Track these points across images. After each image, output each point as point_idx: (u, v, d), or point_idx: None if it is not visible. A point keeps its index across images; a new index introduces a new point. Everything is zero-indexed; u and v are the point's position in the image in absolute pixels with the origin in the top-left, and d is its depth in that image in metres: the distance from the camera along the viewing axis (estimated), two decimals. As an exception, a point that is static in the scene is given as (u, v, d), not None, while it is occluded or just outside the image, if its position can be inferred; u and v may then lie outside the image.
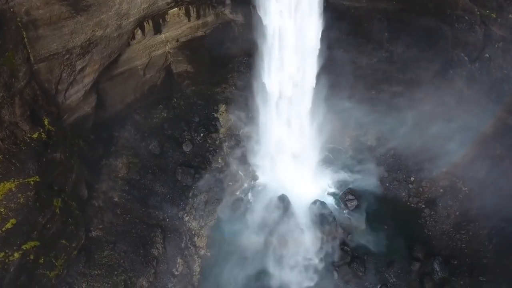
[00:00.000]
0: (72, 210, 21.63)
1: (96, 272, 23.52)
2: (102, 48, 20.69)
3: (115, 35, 20.71)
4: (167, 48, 28.56)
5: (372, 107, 32.90)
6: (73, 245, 21.68)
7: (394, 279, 26.68)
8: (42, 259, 19.44)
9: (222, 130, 34.06)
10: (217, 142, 33.36)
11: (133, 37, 24.25)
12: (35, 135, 18.54)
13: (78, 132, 23.93)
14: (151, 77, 29.47)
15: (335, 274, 26.99)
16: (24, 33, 17.08)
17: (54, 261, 20.24)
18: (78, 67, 20.27)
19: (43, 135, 18.96)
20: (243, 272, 27.13)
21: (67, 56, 19.03)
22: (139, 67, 27.46)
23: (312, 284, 26.72)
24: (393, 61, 28.98)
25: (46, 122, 19.33)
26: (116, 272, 24.26)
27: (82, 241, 22.75)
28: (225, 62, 32.80)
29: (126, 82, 27.40)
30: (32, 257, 18.63)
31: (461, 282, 25.58)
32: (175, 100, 33.38)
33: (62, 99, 20.82)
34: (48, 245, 19.78)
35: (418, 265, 26.89)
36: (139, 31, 24.36)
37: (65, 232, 20.89)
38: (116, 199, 26.93)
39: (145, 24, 24.30)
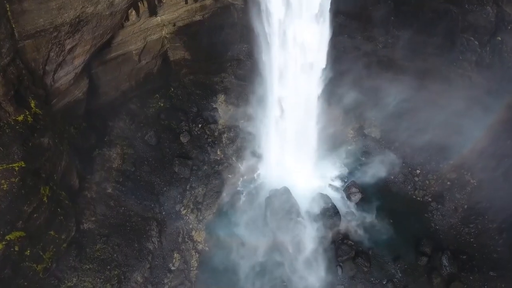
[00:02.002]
0: (61, 200, 20.39)
1: (88, 266, 22.43)
2: (93, 27, 19.45)
3: (107, 13, 19.47)
4: (163, 32, 27.34)
5: (377, 97, 31.86)
6: (63, 237, 20.44)
7: (400, 275, 25.91)
8: (28, 251, 18.19)
9: (221, 121, 32.95)
10: (215, 134, 32.27)
11: (127, 18, 22.98)
12: (20, 118, 17.30)
13: (68, 118, 22.70)
14: (147, 64, 28.24)
15: (339, 270, 26.12)
16: (8, 6, 15.80)
17: (41, 254, 19.00)
18: (68, 47, 19.01)
19: (29, 118, 17.72)
20: (243, 268, 26.07)
21: (55, 33, 17.79)
22: (134, 52, 26.23)
23: (315, 280, 25.62)
24: (399, 47, 27.85)
25: (32, 105, 18.09)
26: (109, 267, 23.20)
27: (73, 233, 21.55)
28: (224, 49, 31.60)
29: (121, 67, 26.16)
30: (17, 248, 17.38)
31: (471, 278, 24.86)
32: (172, 89, 32.19)
33: (51, 81, 19.57)
34: (35, 236, 18.53)
35: (426, 260, 26.10)
36: (133, 12, 23.06)
37: (54, 222, 19.65)
38: (109, 191, 25.75)
39: (139, 4, 23.05)
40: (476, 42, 24.53)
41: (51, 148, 19.07)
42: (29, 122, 17.72)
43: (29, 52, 17.58)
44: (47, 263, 19.62)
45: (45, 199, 18.63)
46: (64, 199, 20.66)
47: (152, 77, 29.85)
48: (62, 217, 20.21)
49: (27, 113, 17.72)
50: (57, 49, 18.45)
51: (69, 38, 18.64)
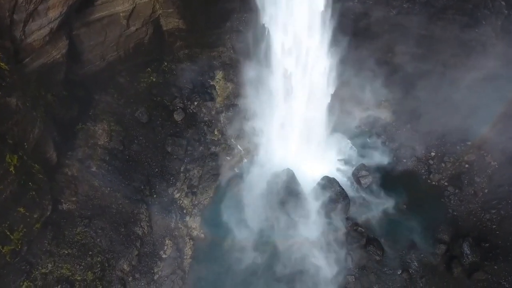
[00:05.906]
0: (33, 173, 17.80)
1: (66, 251, 20.00)
2: (70, -27, 16.96)
3: (86, -43, 16.97)
4: (154, -5, 24.84)
5: (387, 73, 29.45)
6: (35, 216, 17.86)
7: (416, 264, 23.96)
8: (-9, 230, 15.65)
9: (218, 99, 30.49)
10: (213, 112, 29.85)
11: (112, -30, 20.53)
12: (-20, 70, 14.79)
13: (46, 83, 20.04)
14: (137, 31, 25.63)
15: (349, 259, 23.85)
16: None
17: (8, 233, 16.45)
18: (40, -7, 16.51)
19: (-8, 72, 15.19)
20: (241, 257, 23.91)
21: (23, -27, 15.29)
22: (121, 14, 23.59)
23: (323, 270, 23.15)
24: (414, 12, 25.34)
25: (-4, 58, 15.56)
26: (91, 253, 20.82)
27: (48, 213, 18.99)
28: (222, 19, 29.06)
29: (107, 31, 23.52)
30: (-24, 225, 14.89)
31: (495, 267, 22.74)
32: (165, 63, 29.63)
33: (21, 34, 16.95)
34: (0, 213, 15.93)
35: (444, 248, 24.14)
36: (119, -37, 20.57)
37: (24, 198, 17.10)
38: (94, 169, 23.21)
39: (125, -46, 20.51)
40: (503, 3, 22.07)
41: (20, 111, 16.50)
42: (-8, 76, 15.18)
43: (-9, -6, 15.03)
44: (16, 245, 17.09)
45: (12, 169, 16.08)
46: (37, 172, 18.05)
47: (143, 48, 27.28)
48: (34, 193, 17.62)
49: (-10, 66, 15.18)
50: (26, -6, 15.88)
51: (41, -17, 16.10)
